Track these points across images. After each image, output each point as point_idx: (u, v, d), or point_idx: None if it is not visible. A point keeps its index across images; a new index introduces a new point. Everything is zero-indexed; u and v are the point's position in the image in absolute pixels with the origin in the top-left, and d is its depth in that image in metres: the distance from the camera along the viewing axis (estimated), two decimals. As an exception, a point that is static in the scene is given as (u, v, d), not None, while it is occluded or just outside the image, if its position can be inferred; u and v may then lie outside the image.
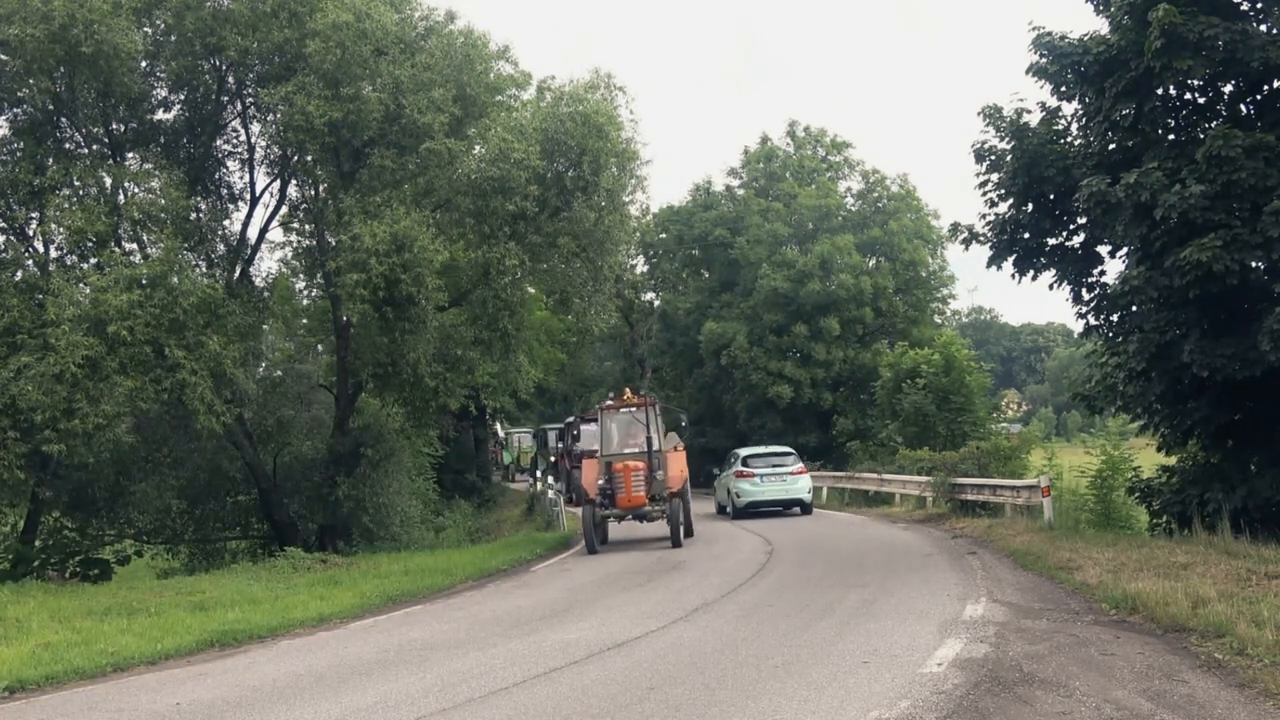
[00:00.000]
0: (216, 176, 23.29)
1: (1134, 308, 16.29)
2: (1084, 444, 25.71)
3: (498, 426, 53.77)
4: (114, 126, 21.47)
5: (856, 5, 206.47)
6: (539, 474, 37.38)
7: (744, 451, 28.16)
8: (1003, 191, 17.13)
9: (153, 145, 21.75)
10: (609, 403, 21.60)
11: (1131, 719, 6.59)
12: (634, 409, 20.85)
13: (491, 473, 47.69)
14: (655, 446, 20.38)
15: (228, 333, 20.01)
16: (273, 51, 20.75)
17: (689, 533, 20.53)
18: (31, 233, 20.98)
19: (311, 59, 19.73)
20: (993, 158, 17.19)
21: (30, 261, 20.85)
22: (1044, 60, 16.37)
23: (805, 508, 26.54)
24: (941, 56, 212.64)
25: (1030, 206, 17.04)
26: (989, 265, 17.76)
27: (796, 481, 26.56)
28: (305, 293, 27.15)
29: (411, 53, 21.33)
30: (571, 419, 35.56)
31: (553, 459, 40.48)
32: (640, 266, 49.91)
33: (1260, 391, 15.17)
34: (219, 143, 23.17)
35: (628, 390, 21.98)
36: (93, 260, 19.80)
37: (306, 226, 23.51)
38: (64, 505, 22.43)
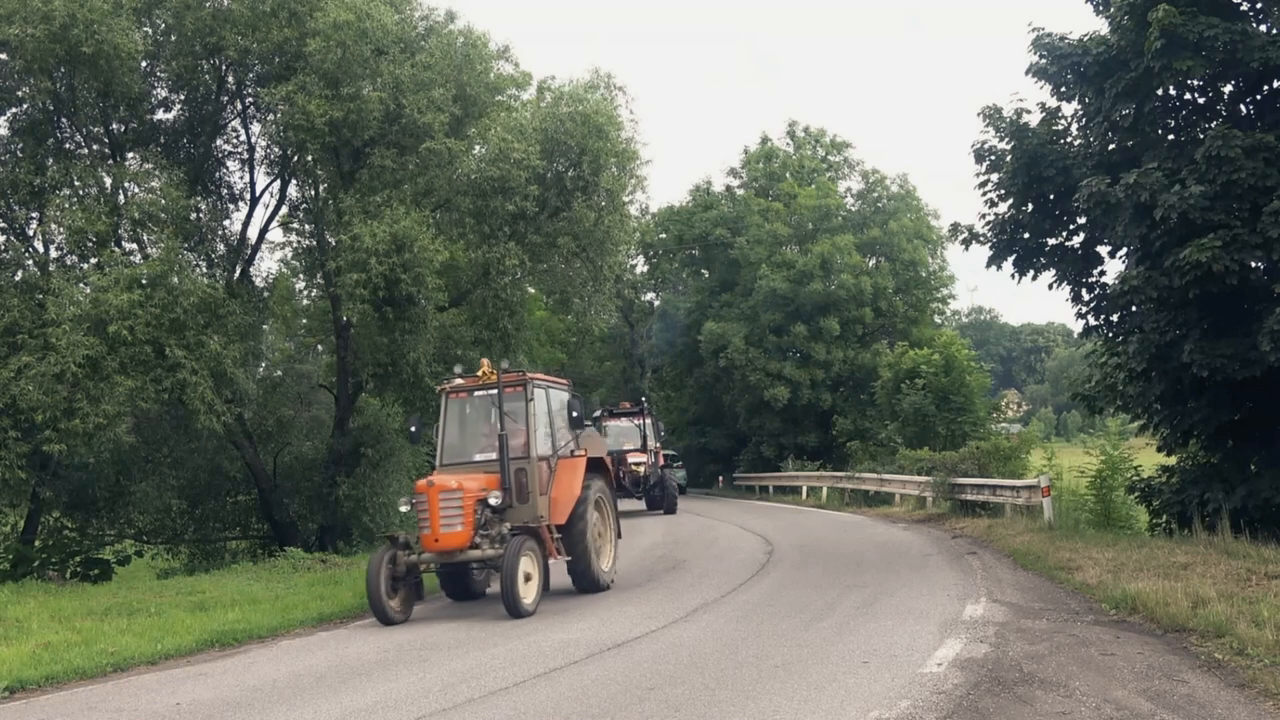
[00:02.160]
0: (216, 176, 23.28)
1: (1134, 308, 16.30)
2: (1084, 444, 25.71)
3: None
4: (114, 126, 21.46)
5: (856, 5, 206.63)
6: None
7: None
8: (1003, 191, 17.14)
9: (153, 145, 21.73)
10: (456, 382, 14.14)
11: (1131, 719, 6.60)
12: (492, 392, 13.62)
13: None
14: (524, 450, 13.43)
15: (228, 333, 20.01)
16: (273, 51, 20.74)
17: (589, 584, 13.69)
18: (32, 233, 20.96)
19: (311, 58, 19.72)
20: (993, 158, 17.21)
21: (30, 261, 20.82)
22: (1044, 61, 16.38)
23: None
24: (941, 56, 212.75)
25: (1030, 206, 17.05)
26: (989, 265, 17.78)
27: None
28: (305, 293, 27.17)
29: (411, 52, 21.32)
30: (598, 413, 32.34)
31: None
32: (640, 266, 49.97)
33: (1260, 391, 15.18)
34: (219, 143, 23.17)
35: (485, 363, 14.23)
36: (93, 260, 19.77)
37: (306, 226, 23.52)
38: (64, 505, 22.39)
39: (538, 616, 12.15)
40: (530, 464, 13.42)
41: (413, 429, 14.95)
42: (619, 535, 15.18)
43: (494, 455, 13.39)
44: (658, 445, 30.46)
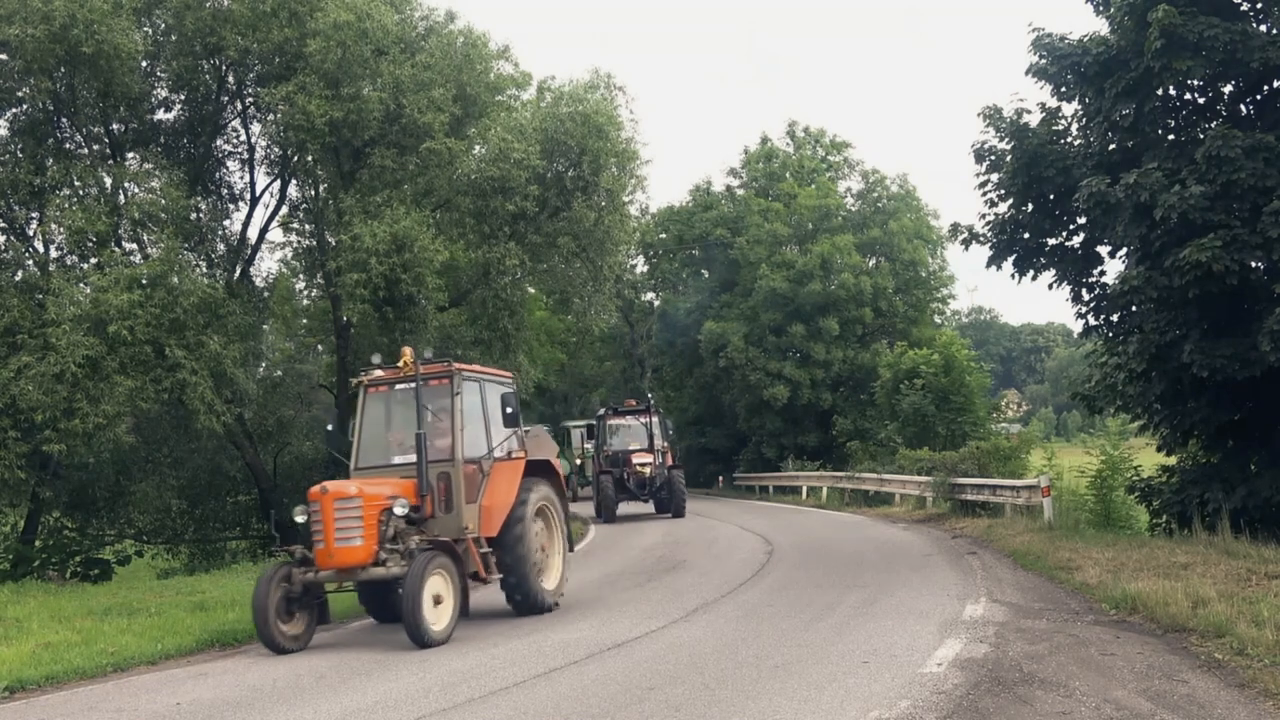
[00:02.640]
0: (216, 176, 23.30)
1: (1134, 308, 16.30)
2: (1084, 444, 25.72)
3: None
4: (114, 126, 21.47)
5: (856, 5, 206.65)
6: None
7: None
8: (1003, 191, 17.15)
9: (153, 145, 21.75)
10: (376, 374, 12.48)
11: (1131, 719, 6.60)
12: (412, 385, 11.94)
13: None
14: (449, 452, 11.82)
15: (228, 333, 20.02)
16: (273, 51, 20.74)
17: (526, 606, 12.12)
18: (32, 233, 20.98)
19: (312, 59, 19.73)
20: (993, 158, 17.22)
21: (30, 261, 20.86)
22: (1044, 61, 16.39)
23: None
24: (942, 56, 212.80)
25: (1030, 206, 17.06)
26: (989, 265, 17.79)
27: None
28: (305, 293, 27.19)
29: (412, 52, 21.34)
30: (603, 411, 31.27)
31: (579, 461, 38.64)
32: (640, 266, 50.01)
33: (1260, 391, 15.19)
34: (219, 143, 23.19)
35: (406, 352, 12.25)
36: (93, 260, 19.79)
37: (306, 226, 23.54)
38: (64, 505, 22.42)
39: (538, 616, 12.12)
40: (455, 467, 11.76)
41: (329, 427, 13.20)
42: (570, 549, 13.72)
43: (409, 457, 11.79)
44: (666, 445, 29.25)
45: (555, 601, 12.57)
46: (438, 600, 10.70)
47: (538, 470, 12.80)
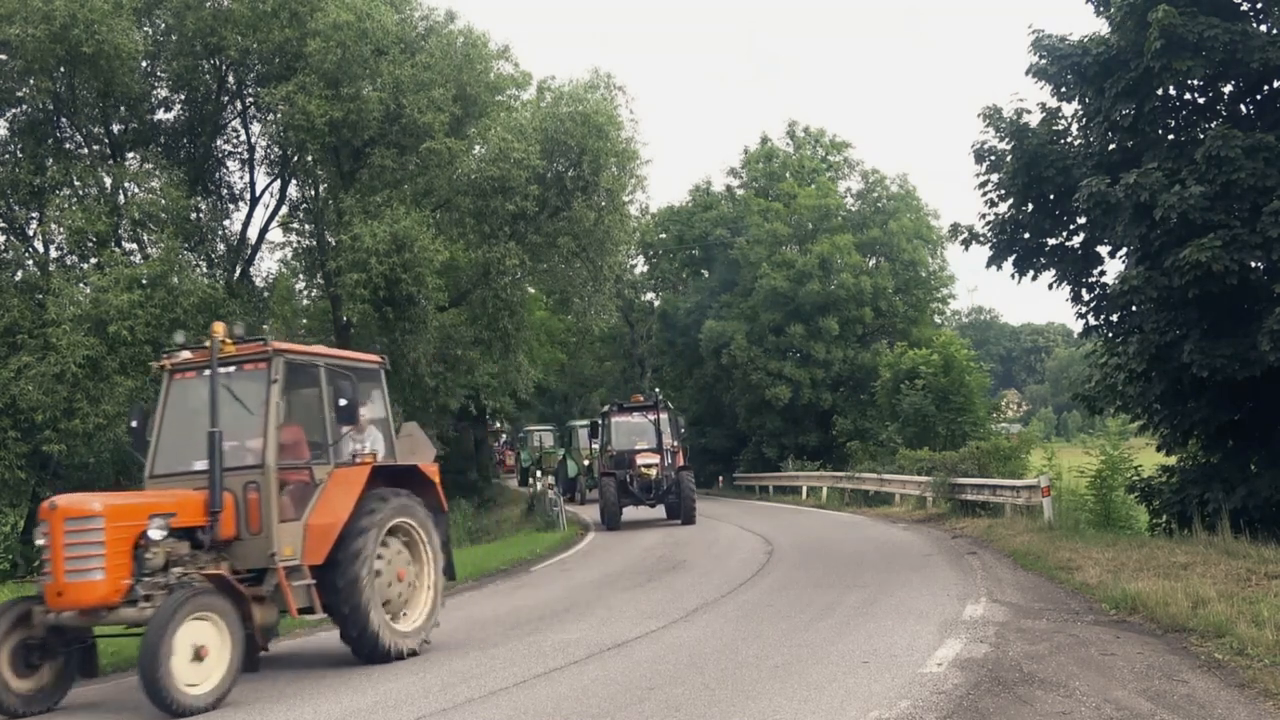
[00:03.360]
0: (216, 176, 23.34)
1: (1134, 308, 16.30)
2: (1084, 444, 25.71)
3: (498, 425, 53.22)
4: (114, 126, 21.52)
5: (856, 5, 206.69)
6: (539, 473, 35.07)
7: None
8: (1003, 192, 17.15)
9: (153, 145, 21.79)
10: (183, 355, 9.82)
11: (1131, 719, 6.60)
12: (228, 370, 9.43)
13: (495, 473, 47.13)
14: (255, 456, 9.33)
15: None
16: (273, 51, 20.77)
17: (368, 653, 9.64)
18: (32, 233, 21.03)
19: (312, 59, 19.75)
20: (993, 158, 17.22)
21: (31, 261, 20.90)
22: (1044, 61, 16.40)
23: None
24: (941, 56, 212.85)
25: (1030, 206, 17.06)
26: (989, 265, 17.78)
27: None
28: (305, 293, 27.22)
29: (412, 52, 21.37)
30: (607, 408, 28.76)
31: (586, 462, 37.26)
32: (640, 266, 50.04)
33: (1260, 391, 15.19)
34: (219, 143, 23.24)
35: (218, 328, 9.47)
36: (93, 260, 19.83)
37: (306, 226, 23.60)
38: (64, 505, 22.41)
39: (537, 618, 12.11)
40: (267, 475, 9.11)
41: (133, 424, 10.02)
42: (451, 576, 11.04)
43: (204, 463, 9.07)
44: (676, 444, 26.85)
45: (411, 647, 9.87)
46: (200, 654, 8.11)
47: (400, 479, 10.26)
